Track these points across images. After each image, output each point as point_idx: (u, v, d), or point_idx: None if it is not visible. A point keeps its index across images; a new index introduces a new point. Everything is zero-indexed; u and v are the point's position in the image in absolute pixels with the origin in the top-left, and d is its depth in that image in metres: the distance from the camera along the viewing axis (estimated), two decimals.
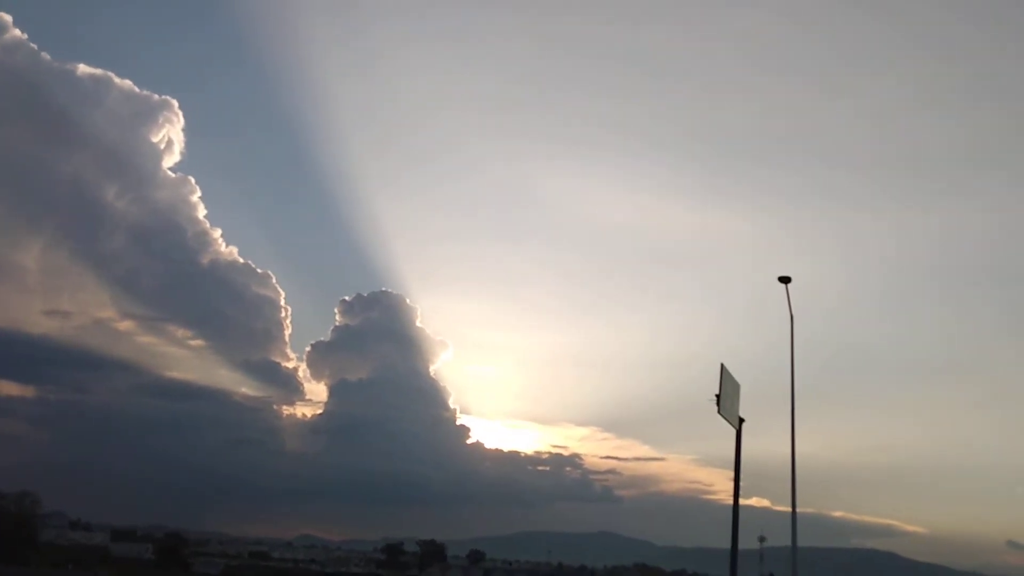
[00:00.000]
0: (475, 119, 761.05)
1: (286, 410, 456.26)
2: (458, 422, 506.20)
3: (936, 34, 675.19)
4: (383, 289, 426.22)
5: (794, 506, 30.90)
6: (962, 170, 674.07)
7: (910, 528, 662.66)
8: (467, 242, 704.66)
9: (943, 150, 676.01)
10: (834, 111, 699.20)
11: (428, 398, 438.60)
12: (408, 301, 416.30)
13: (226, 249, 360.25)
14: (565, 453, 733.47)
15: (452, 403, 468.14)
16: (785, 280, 31.93)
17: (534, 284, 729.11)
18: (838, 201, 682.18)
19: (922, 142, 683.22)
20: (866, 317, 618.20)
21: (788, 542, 30.95)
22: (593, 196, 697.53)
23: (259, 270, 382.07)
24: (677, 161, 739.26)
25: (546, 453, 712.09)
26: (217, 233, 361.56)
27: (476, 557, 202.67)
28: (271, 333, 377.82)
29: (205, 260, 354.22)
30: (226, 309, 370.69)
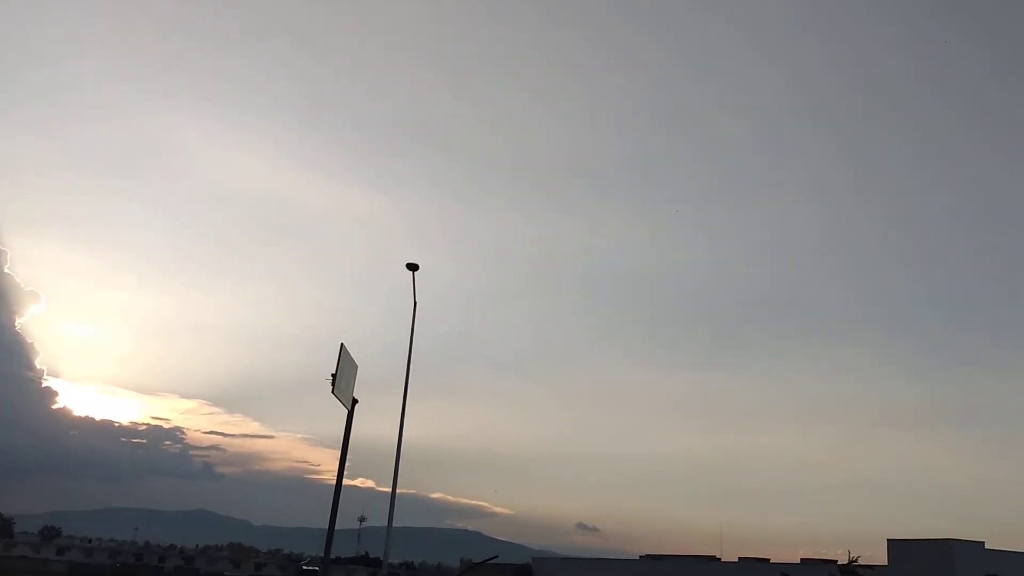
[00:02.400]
0: (114, 64, 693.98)
1: None
2: (44, 384, 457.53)
3: (560, 47, 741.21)
4: None
5: (394, 488, 31.60)
6: (566, 185, 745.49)
7: (498, 510, 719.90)
8: (83, 190, 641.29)
9: (552, 161, 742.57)
10: (458, 109, 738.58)
11: (8, 354, 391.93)
12: None
13: None
14: (166, 426, 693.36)
15: (39, 363, 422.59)
16: (413, 267, 32.57)
17: (153, 245, 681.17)
18: (454, 196, 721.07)
19: (533, 151, 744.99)
20: (472, 310, 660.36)
21: (387, 522, 31.60)
22: (230, 161, 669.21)
23: None
24: (319, 137, 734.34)
25: (144, 424, 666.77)
26: None
27: (50, 534, 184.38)
28: None
29: None
30: None
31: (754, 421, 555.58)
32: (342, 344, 26.54)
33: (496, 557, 62.45)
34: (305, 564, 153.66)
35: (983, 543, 41.72)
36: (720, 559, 59.02)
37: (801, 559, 49.71)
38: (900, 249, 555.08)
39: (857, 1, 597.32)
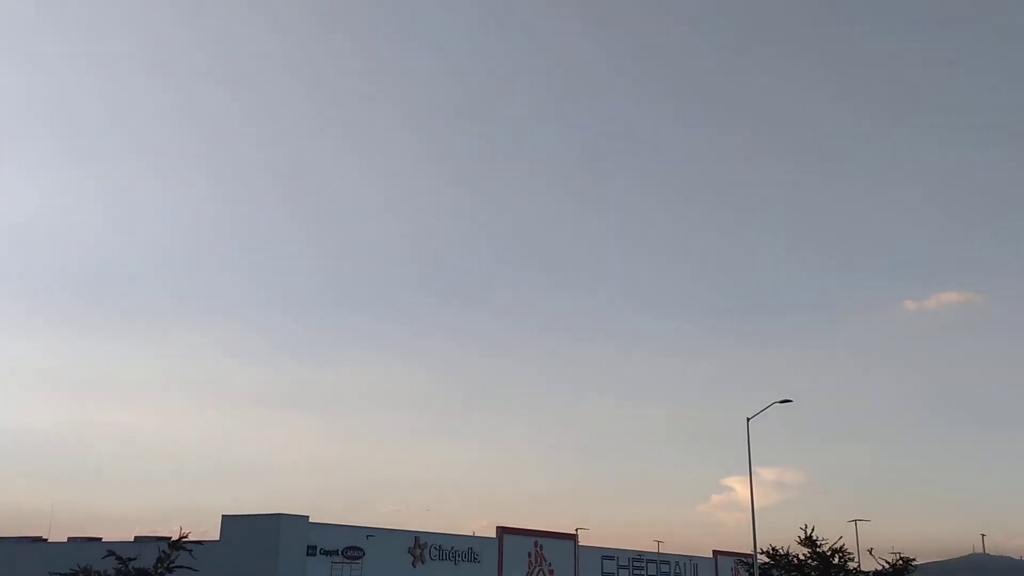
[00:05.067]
0: None
1: None
2: None
3: None
4: None
5: None
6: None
7: None
8: None
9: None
10: None
11: None
12: None
13: None
14: None
15: None
16: None
17: None
18: None
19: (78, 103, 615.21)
20: None
21: None
22: None
23: None
24: None
25: None
26: None
27: None
28: None
29: None
30: None
31: (115, 396, 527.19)
32: None
33: None
34: None
35: (307, 516, 45.60)
36: (48, 540, 55.02)
37: (135, 537, 48.79)
38: (312, 244, 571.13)
39: None
